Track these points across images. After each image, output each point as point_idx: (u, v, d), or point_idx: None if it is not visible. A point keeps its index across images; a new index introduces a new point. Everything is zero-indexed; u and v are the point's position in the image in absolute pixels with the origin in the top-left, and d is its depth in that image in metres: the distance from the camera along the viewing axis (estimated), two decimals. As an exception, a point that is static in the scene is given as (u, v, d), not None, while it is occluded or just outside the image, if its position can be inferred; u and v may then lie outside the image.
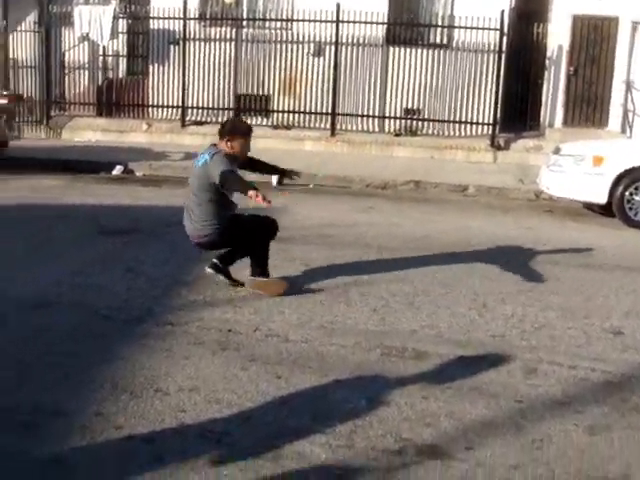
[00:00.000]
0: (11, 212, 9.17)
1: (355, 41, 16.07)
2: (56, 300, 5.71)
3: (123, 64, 18.31)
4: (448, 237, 8.40)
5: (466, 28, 15.40)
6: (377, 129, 16.35)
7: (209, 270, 6.09)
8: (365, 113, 16.31)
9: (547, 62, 16.07)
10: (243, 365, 4.52)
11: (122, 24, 17.47)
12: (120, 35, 17.38)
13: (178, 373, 4.39)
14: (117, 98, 17.82)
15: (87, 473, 3.38)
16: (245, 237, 6.03)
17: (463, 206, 10.99)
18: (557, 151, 10.84)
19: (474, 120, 15.80)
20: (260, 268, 6.02)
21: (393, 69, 16.19)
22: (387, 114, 16.27)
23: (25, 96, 17.98)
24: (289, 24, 16.45)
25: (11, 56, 17.85)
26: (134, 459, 3.46)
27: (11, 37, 17.78)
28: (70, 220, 8.65)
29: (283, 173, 6.99)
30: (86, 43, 17.29)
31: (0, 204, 9.72)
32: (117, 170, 13.41)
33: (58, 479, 3.34)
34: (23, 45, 17.79)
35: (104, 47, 17.52)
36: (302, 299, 5.86)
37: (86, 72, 18.10)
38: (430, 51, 16.06)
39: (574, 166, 10.18)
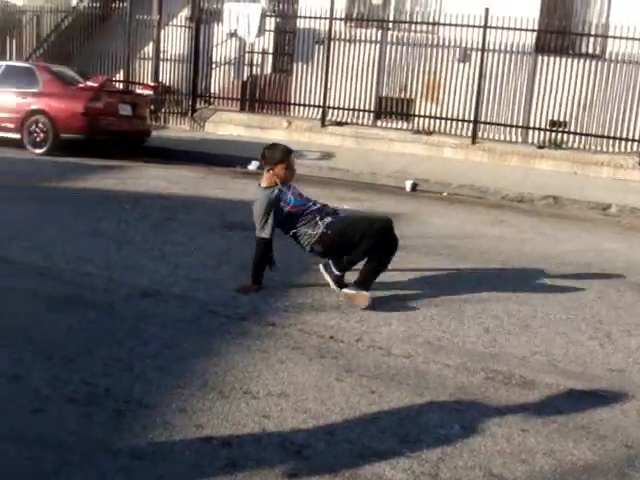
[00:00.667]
0: (141, 199, 9.37)
1: (503, 48, 15.65)
2: (167, 290, 5.72)
3: (268, 61, 18.53)
4: (580, 258, 7.95)
5: (621, 38, 14.68)
6: (520, 140, 15.86)
7: (320, 267, 6.00)
8: (508, 122, 15.85)
9: None
10: (338, 375, 4.35)
11: (270, 22, 17.69)
12: (267, 33, 17.59)
13: (270, 377, 4.26)
14: (260, 94, 18.07)
15: (157, 471, 3.29)
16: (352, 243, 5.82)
17: (602, 226, 10.42)
18: None
19: (623, 135, 15.04)
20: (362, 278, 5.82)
21: (541, 78, 15.66)
22: (531, 125, 15.78)
23: (173, 88, 18.56)
24: (436, 28, 16.20)
25: (162, 49, 18.37)
26: (208, 462, 3.35)
27: (163, 31, 18.30)
28: (195, 211, 8.74)
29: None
30: (234, 39, 17.61)
31: (132, 190, 9.97)
32: (253, 165, 13.53)
33: (129, 473, 3.27)
34: (174, 39, 18.32)
35: (251, 44, 17.76)
36: (412, 312, 5.63)
37: (232, 68, 18.46)
38: (581, 61, 15.43)
39: None
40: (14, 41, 21.71)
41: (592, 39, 15.61)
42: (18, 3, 21.77)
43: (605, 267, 7.68)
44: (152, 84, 16.85)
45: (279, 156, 5.98)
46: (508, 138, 15.89)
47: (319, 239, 5.85)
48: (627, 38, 14.60)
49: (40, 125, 13.15)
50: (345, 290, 5.77)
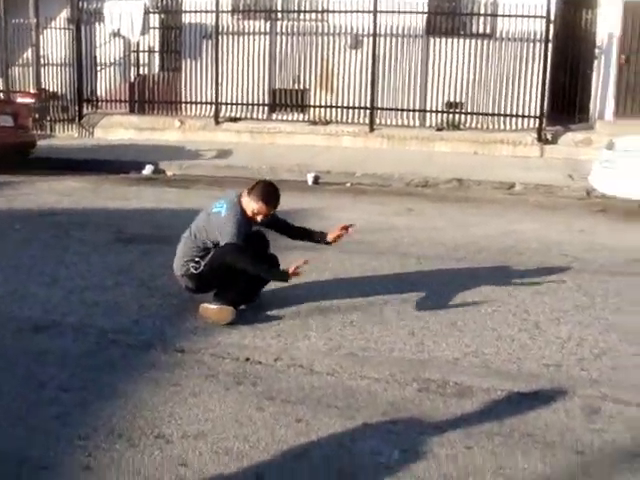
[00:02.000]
0: (30, 217, 8.71)
1: (394, 32, 15.41)
2: (61, 321, 5.19)
3: (156, 60, 17.87)
4: (494, 243, 7.74)
5: (510, 16, 14.62)
6: (418, 124, 15.67)
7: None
8: (405, 107, 15.64)
9: (596, 51, 15.21)
10: (259, 404, 3.94)
11: (154, 19, 17.03)
12: (152, 30, 16.92)
13: (184, 414, 3.82)
14: (150, 95, 17.38)
15: None
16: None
17: (509, 206, 10.29)
18: (610, 146, 10.10)
19: (520, 113, 15.04)
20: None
21: (434, 61, 15.49)
22: (428, 108, 15.59)
23: (58, 94, 17.70)
24: (325, 15, 15.85)
25: (43, 54, 17.47)
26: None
27: (43, 35, 17.40)
28: (89, 226, 8.16)
29: (319, 241, 5.90)
30: (117, 39, 16.86)
31: (20, 208, 9.29)
32: (147, 170, 12.93)
33: None
34: (55, 42, 17.43)
35: (136, 43, 17.07)
36: (331, 319, 5.26)
37: (118, 69, 17.72)
38: (473, 41, 15.33)
39: (630, 162, 9.44)
40: None
41: (482, 19, 15.52)
42: None
43: (521, 249, 7.51)
44: (33, 91, 15.98)
45: (276, 200, 5.48)
46: (406, 123, 15.66)
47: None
48: (516, 16, 14.54)
49: None
50: (204, 304, 5.31)
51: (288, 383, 4.20)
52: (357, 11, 15.16)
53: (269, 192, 5.46)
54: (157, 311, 5.39)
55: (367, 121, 15.48)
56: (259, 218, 5.40)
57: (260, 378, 4.26)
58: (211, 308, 5.23)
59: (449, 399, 4.02)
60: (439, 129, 15.27)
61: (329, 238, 5.69)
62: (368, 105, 15.47)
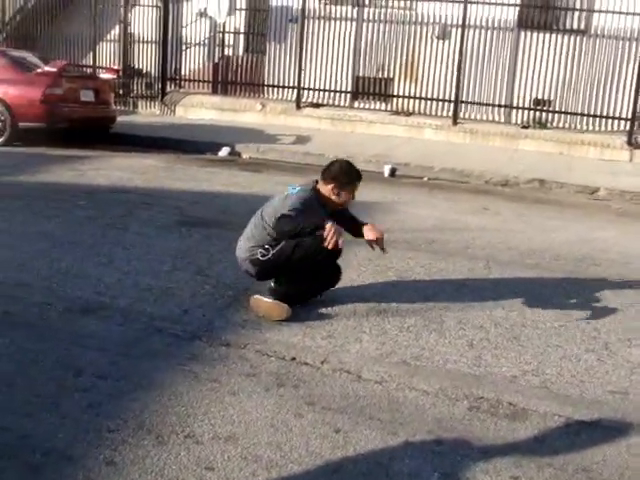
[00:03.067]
0: (98, 193, 8.70)
1: (484, 24, 15.00)
2: (111, 304, 5.07)
3: (240, 42, 17.81)
4: (571, 251, 7.35)
5: (607, 12, 14.03)
6: (503, 120, 15.24)
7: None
8: (491, 102, 15.23)
9: (696, 53, 14.49)
10: (298, 409, 3.72)
11: (241, 1, 16.92)
12: (238, 12, 16.85)
13: (219, 414, 3.64)
14: (233, 76, 17.34)
15: None
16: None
17: (592, 212, 9.83)
18: None
19: (610, 114, 14.44)
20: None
21: (524, 55, 15.02)
22: (515, 104, 15.16)
23: (143, 71, 17.82)
24: (414, 3, 15.52)
25: (130, 31, 17.60)
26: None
27: (131, 12, 17.52)
28: (155, 207, 8.08)
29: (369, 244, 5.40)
30: (204, 19, 16.85)
31: (91, 183, 9.30)
32: (223, 152, 12.88)
33: None
34: (142, 20, 17.54)
35: (222, 24, 17.02)
36: (387, 322, 5.01)
37: (203, 49, 17.72)
38: (566, 37, 14.80)
39: None
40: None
41: (577, 14, 14.96)
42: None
43: (598, 260, 7.10)
44: (115, 67, 16.08)
45: (357, 176, 5.22)
46: (491, 118, 15.26)
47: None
48: (612, 12, 13.97)
49: (-4, 114, 12.40)
50: (257, 296, 5.08)
51: (332, 389, 3.97)
52: (447, 0, 14.76)
53: (343, 170, 5.19)
54: (209, 301, 5.22)
55: (450, 114, 15.13)
56: (336, 199, 5.11)
57: (303, 381, 4.05)
58: (264, 301, 5.03)
59: (501, 421, 3.74)
60: (524, 127, 14.80)
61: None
62: (452, 98, 15.09)
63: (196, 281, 5.61)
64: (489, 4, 14.59)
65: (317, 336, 4.69)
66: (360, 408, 3.78)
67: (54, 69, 12.66)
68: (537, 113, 14.98)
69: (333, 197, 5.17)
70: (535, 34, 14.88)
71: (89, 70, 17.17)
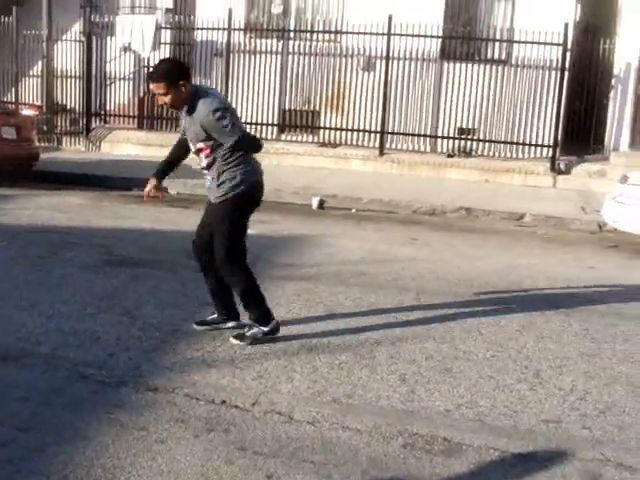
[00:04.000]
0: (20, 233, 8.46)
1: (407, 55, 15.14)
2: (33, 350, 4.90)
3: (166, 76, 17.63)
4: (499, 279, 7.40)
5: (526, 43, 14.33)
6: (429, 149, 15.37)
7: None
8: (416, 132, 15.36)
9: (614, 80, 14.88)
10: (229, 455, 3.62)
11: (165, 35, 16.83)
12: (163, 46, 16.70)
13: (147, 464, 3.51)
14: (159, 111, 17.14)
15: None
16: None
17: (518, 238, 9.96)
18: (624, 180, 9.80)
19: (533, 142, 14.73)
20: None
21: (447, 86, 15.20)
22: (440, 134, 15.31)
23: (67, 106, 17.53)
24: (338, 36, 15.63)
25: (54, 66, 17.32)
26: None
27: (54, 46, 17.25)
28: (80, 246, 7.88)
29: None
30: (129, 53, 16.67)
31: (13, 223, 9.04)
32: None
33: None
34: (66, 55, 17.26)
35: (147, 58, 16.86)
36: (318, 360, 4.94)
37: (128, 83, 17.50)
38: (487, 67, 15.04)
39: (643, 197, 9.14)
40: None
41: (497, 44, 15.26)
42: None
43: (527, 286, 7.18)
44: (37, 104, 15.80)
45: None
46: (417, 148, 15.39)
47: None
48: (532, 42, 14.26)
49: None
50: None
51: (263, 432, 3.88)
52: (371, 33, 14.91)
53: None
54: (135, 344, 5.08)
55: (377, 145, 15.21)
56: (162, 104, 5.05)
57: (234, 425, 3.94)
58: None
59: (436, 457, 3.69)
60: (450, 155, 14.96)
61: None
62: (379, 129, 15.19)
63: (122, 323, 5.46)
64: (412, 36, 14.75)
65: (247, 377, 4.59)
66: (293, 451, 3.69)
67: (-27, 106, 12.35)
68: (462, 142, 15.17)
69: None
70: (458, 64, 15.10)
71: (11, 106, 16.81)
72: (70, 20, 17.70)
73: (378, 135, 15.20)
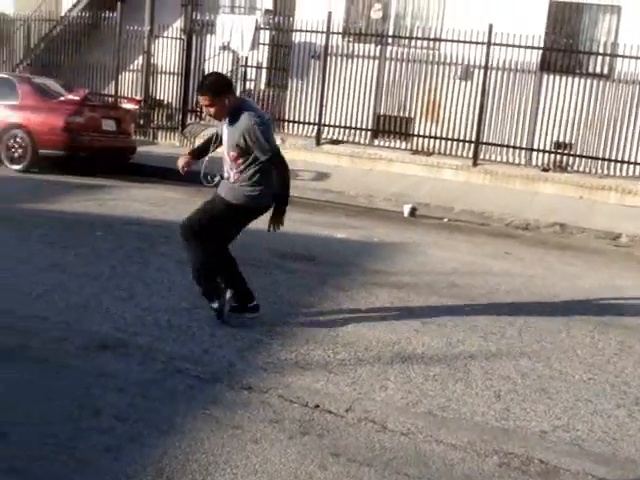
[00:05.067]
0: (116, 225, 8.67)
1: (506, 66, 14.94)
2: (130, 341, 4.98)
3: (263, 76, 17.82)
4: (595, 299, 7.22)
5: (631, 57, 13.97)
6: (523, 162, 15.13)
7: None
8: (511, 144, 15.14)
9: None
10: (323, 460, 3.60)
11: (264, 35, 17.00)
12: (262, 46, 16.89)
13: (241, 463, 3.52)
14: (253, 110, 17.29)
15: None
16: None
17: (614, 258, 9.71)
18: None
19: (632, 159, 14.33)
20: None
21: (546, 98, 14.96)
22: (535, 147, 15.05)
23: (164, 102, 17.89)
24: (437, 44, 15.52)
25: (153, 61, 17.69)
26: None
27: (154, 43, 17.62)
28: (174, 241, 7.92)
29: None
30: (227, 52, 16.89)
31: (109, 214, 9.28)
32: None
33: None
34: (165, 51, 17.64)
35: (245, 57, 17.06)
36: (412, 370, 4.89)
37: (225, 82, 17.70)
38: (588, 81, 14.74)
39: None
40: (4, 50, 21.03)
41: (600, 58, 14.92)
42: (8, 12, 21.09)
43: (624, 309, 6.97)
44: (137, 98, 16.14)
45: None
46: (511, 160, 15.18)
47: None
48: (636, 57, 13.91)
49: (18, 140, 12.43)
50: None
51: (357, 439, 3.85)
52: (470, 42, 14.78)
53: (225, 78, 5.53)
54: (229, 341, 5.11)
55: (471, 155, 15.05)
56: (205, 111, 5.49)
57: (328, 430, 3.93)
58: None
59: (532, 479, 3.60)
60: (545, 169, 14.71)
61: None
62: (473, 139, 15.04)
63: (216, 320, 5.50)
64: (512, 46, 14.56)
65: (341, 382, 4.57)
66: (387, 461, 3.65)
67: (77, 97, 12.71)
68: (558, 156, 14.90)
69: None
70: (558, 77, 14.85)
71: (111, 100, 17.24)
72: (171, 18, 18.05)
73: (472, 145, 15.04)
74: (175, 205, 10.34)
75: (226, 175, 5.43)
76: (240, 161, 5.25)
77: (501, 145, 15.16)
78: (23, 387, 4.12)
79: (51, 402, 3.97)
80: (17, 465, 3.32)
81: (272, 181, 5.35)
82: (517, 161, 15.15)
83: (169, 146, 16.89)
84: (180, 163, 5.59)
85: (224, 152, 5.41)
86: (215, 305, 5.44)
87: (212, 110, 5.24)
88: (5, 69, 19.57)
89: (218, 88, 5.21)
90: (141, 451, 3.58)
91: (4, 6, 21.13)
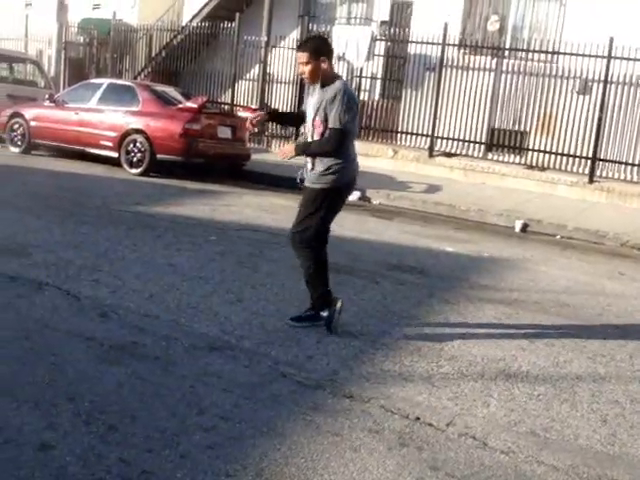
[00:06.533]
0: (229, 230, 8.87)
1: (627, 80, 14.51)
2: (237, 344, 5.08)
3: (377, 87, 17.89)
4: None
5: None
6: (642, 180, 14.66)
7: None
8: (630, 161, 14.69)
9: None
10: (421, 473, 3.59)
11: (379, 46, 17.07)
12: (376, 57, 16.97)
13: (339, 470, 3.55)
14: (367, 121, 17.41)
15: None
16: None
17: None
18: None
19: None
20: None
21: (668, 115, 14.44)
22: (655, 165, 14.55)
23: (280, 110, 18.16)
24: (554, 57, 15.23)
25: (269, 71, 18.01)
26: None
27: (271, 53, 17.94)
28: (285, 247, 8.07)
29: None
30: (342, 63, 17.04)
31: (222, 219, 9.53)
32: (354, 196, 12.87)
33: None
34: (281, 61, 17.92)
35: (360, 68, 17.17)
36: (516, 388, 4.81)
37: (339, 92, 17.85)
38: None
39: None
40: (127, 58, 21.86)
41: None
42: (132, 22, 21.92)
43: None
44: (254, 107, 16.47)
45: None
46: (629, 178, 14.74)
47: None
48: None
49: (137, 145, 12.89)
50: None
51: (456, 454, 3.82)
52: (589, 55, 14.44)
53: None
54: (334, 349, 5.16)
55: (587, 172, 14.69)
56: (301, 73, 5.31)
57: (427, 443, 3.91)
58: None
59: (638, 508, 3.50)
60: (666, 189, 14.20)
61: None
62: (590, 155, 14.67)
63: (322, 327, 5.55)
64: (634, 60, 14.15)
65: (443, 396, 4.55)
66: (485, 478, 3.61)
67: (195, 105, 13.07)
68: (679, 175, 14.39)
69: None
70: (681, 93, 14.35)
71: (227, 107, 17.65)
72: (288, 28, 18.36)
73: (589, 161, 14.68)
74: (287, 213, 10.45)
75: (305, 162, 5.46)
76: (321, 129, 5.20)
77: (619, 162, 14.75)
78: (133, 383, 4.27)
79: (159, 398, 4.10)
80: (124, 456, 3.44)
81: (352, 156, 5.38)
82: (635, 179, 14.70)
83: (282, 154, 17.12)
84: (251, 117, 5.65)
85: (308, 121, 5.38)
86: (325, 314, 5.47)
87: (307, 69, 5.18)
88: (128, 77, 20.33)
89: (318, 49, 5.21)
90: (242, 451, 3.65)
91: (128, 17, 21.96)
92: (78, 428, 3.67)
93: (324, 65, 5.18)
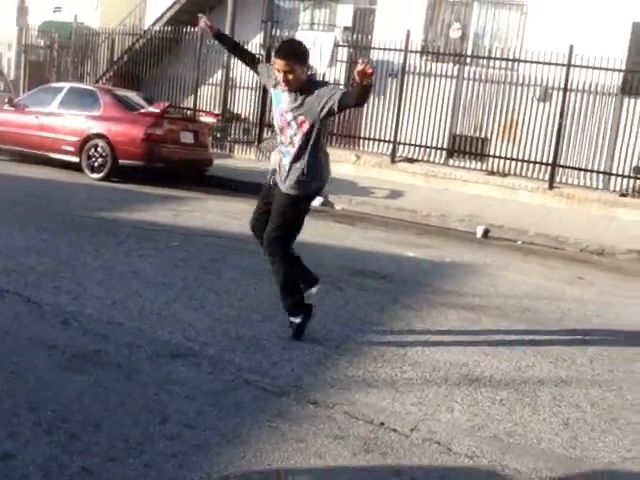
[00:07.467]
0: (192, 236, 8.82)
1: (586, 88, 14.73)
2: (200, 351, 5.06)
3: (339, 93, 17.92)
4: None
5: None
6: (601, 186, 14.88)
7: None
8: (589, 167, 14.90)
9: None
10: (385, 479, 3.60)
11: (342, 52, 17.13)
12: (339, 63, 17.02)
13: (304, 477, 3.55)
14: (330, 126, 17.42)
15: None
16: None
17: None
18: None
19: None
20: None
21: (626, 122, 14.71)
22: (614, 171, 14.78)
23: (241, 116, 18.16)
24: (515, 64, 15.40)
25: (232, 75, 17.98)
26: None
27: (234, 58, 17.87)
28: (248, 253, 8.09)
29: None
30: (305, 69, 17.04)
31: (185, 225, 9.46)
32: (316, 202, 12.84)
33: None
34: (243, 66, 17.80)
35: (322, 74, 17.21)
36: (480, 393, 4.85)
37: (302, 97, 17.89)
38: (672, 106, 14.41)
39: None
40: (89, 62, 21.69)
41: (684, 82, 14.62)
42: (94, 25, 21.76)
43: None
44: (215, 112, 16.44)
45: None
46: (588, 184, 14.96)
47: None
48: None
49: (99, 149, 12.78)
50: None
51: (420, 460, 3.84)
52: (549, 63, 14.64)
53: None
54: (298, 355, 5.16)
55: (547, 178, 14.87)
56: (279, 78, 5.03)
57: (391, 448, 3.93)
58: None
59: (599, 511, 3.55)
60: (623, 194, 14.44)
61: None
62: (550, 161, 14.86)
63: (286, 333, 5.55)
64: (592, 68, 14.37)
65: (407, 401, 4.57)
66: (450, 483, 3.63)
67: (157, 110, 13.00)
68: (637, 181, 14.60)
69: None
70: (639, 100, 14.57)
71: (190, 113, 17.58)
72: (251, 33, 18.35)
73: (549, 167, 14.86)
74: (249, 218, 10.43)
75: (283, 150, 5.29)
76: (307, 126, 5.05)
77: (578, 168, 14.96)
78: (96, 391, 4.23)
79: (122, 407, 4.06)
80: (87, 465, 3.41)
81: (323, 161, 5.29)
82: (594, 185, 14.92)
83: (245, 160, 17.13)
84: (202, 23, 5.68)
85: (283, 124, 5.20)
86: (297, 320, 5.45)
87: (290, 77, 4.95)
88: (89, 81, 20.17)
89: (301, 54, 5.05)
90: (207, 459, 3.63)
91: (90, 20, 21.81)
92: (40, 437, 3.62)
93: (302, 71, 5.04)
